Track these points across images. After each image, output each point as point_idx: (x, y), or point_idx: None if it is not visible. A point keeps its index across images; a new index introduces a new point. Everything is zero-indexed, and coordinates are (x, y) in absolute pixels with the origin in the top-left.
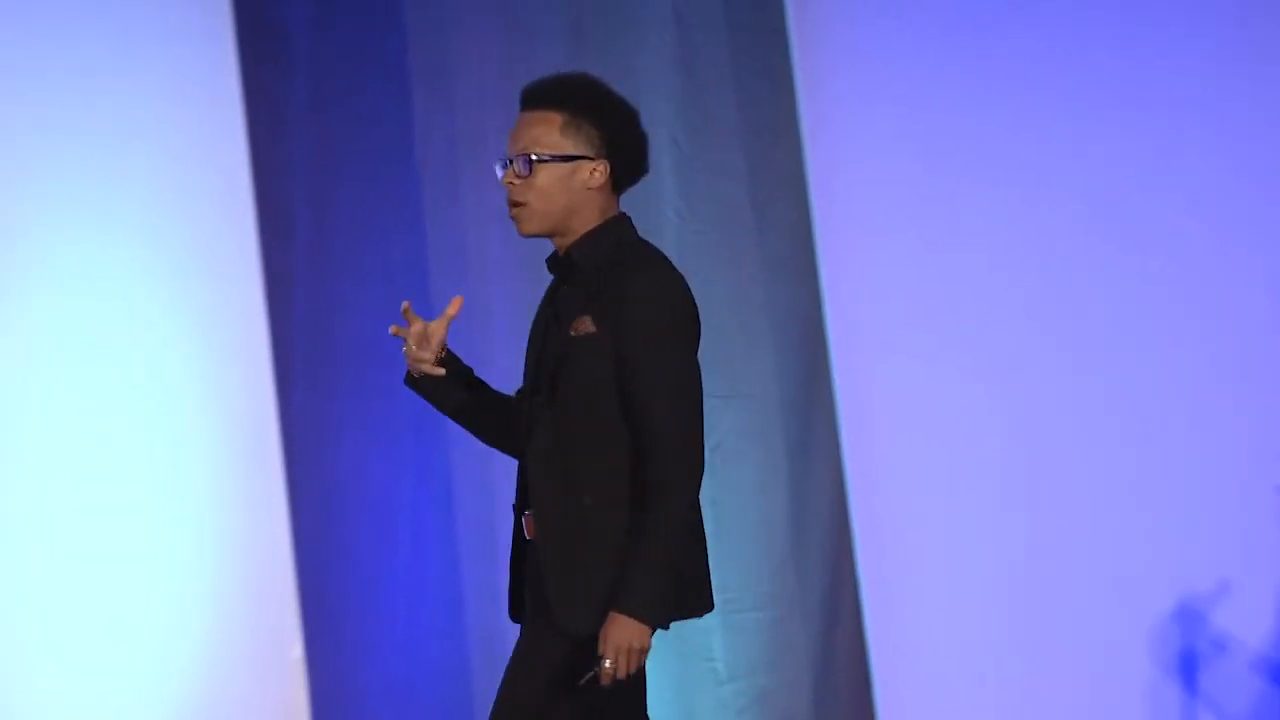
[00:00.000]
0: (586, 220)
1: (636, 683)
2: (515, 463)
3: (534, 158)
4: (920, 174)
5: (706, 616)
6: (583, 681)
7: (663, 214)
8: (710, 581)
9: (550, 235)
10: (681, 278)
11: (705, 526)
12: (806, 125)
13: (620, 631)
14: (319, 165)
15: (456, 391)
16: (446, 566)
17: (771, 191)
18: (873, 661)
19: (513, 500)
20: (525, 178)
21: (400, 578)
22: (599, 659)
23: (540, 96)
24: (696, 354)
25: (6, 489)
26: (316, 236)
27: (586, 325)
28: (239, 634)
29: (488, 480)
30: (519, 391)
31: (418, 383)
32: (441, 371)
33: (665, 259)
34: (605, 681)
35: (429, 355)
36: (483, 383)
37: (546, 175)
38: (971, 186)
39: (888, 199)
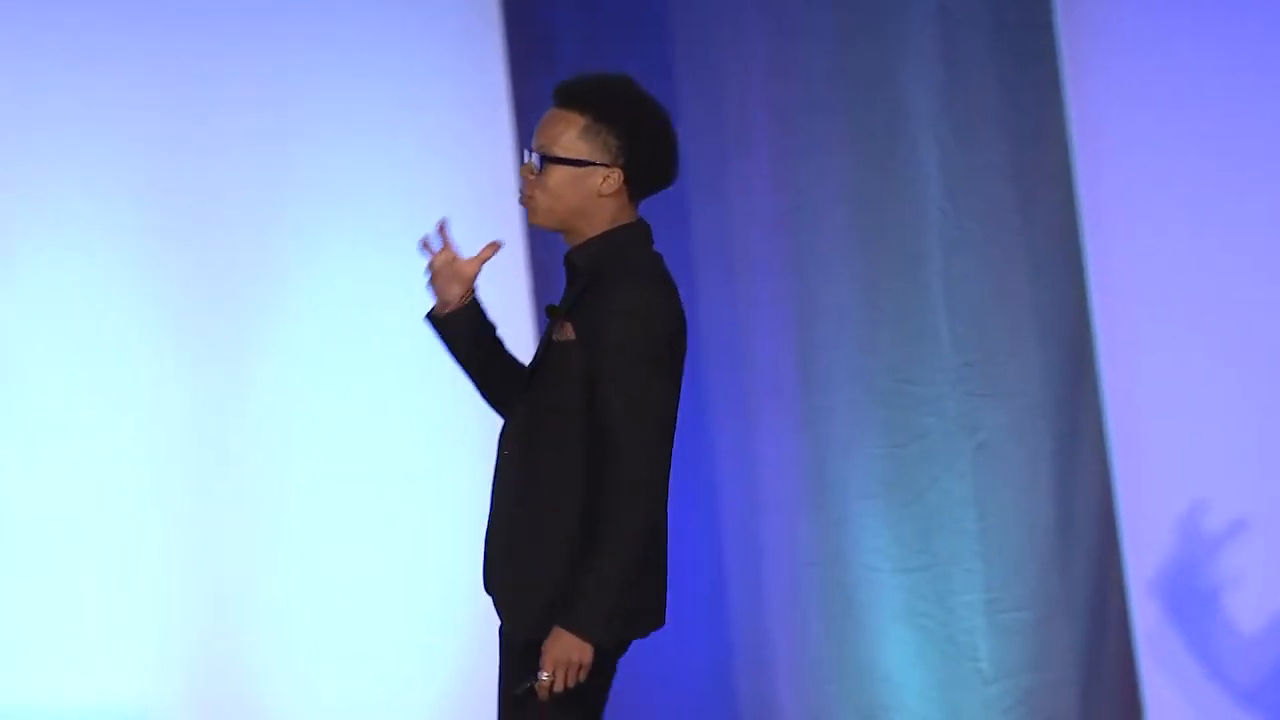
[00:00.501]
0: (595, 225)
1: (590, 701)
2: (782, 453)
3: (548, 157)
4: (1191, 171)
5: (971, 616)
6: (517, 691)
7: (927, 213)
8: (664, 599)
9: (558, 232)
10: (666, 298)
11: (967, 524)
12: (1074, 122)
13: (561, 646)
14: None
15: (475, 339)
16: (709, 561)
17: (1037, 190)
18: (1140, 664)
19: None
20: (538, 174)
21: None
22: (537, 671)
23: (570, 95)
24: (669, 375)
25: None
26: None
27: (567, 332)
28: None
29: (752, 476)
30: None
31: (439, 320)
32: (468, 300)
33: (656, 276)
34: (541, 695)
35: (458, 291)
36: (501, 341)
37: (558, 176)
38: (1244, 183)
39: (1157, 197)
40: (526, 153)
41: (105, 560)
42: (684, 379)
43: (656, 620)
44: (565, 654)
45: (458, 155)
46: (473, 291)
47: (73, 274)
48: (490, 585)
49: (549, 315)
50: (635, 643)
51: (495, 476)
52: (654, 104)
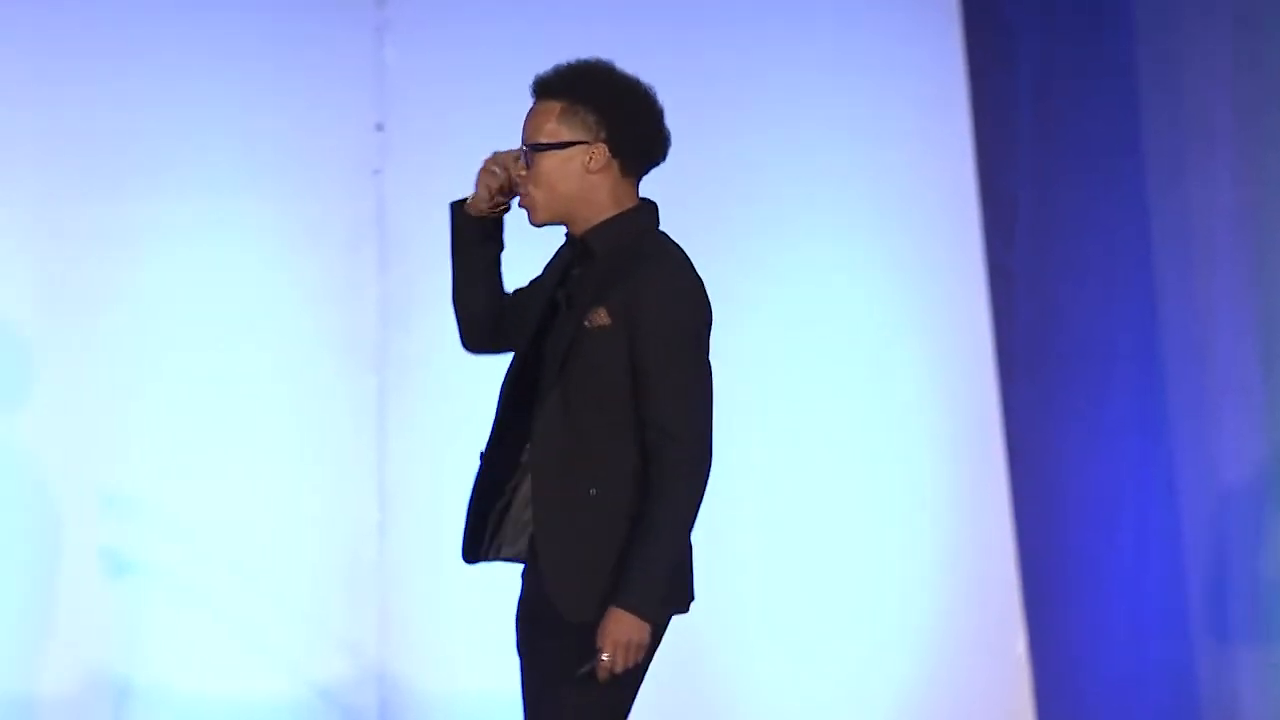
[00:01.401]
0: (598, 208)
1: (635, 679)
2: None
3: (533, 148)
4: None
5: None
6: (580, 673)
7: None
8: (693, 577)
9: (560, 223)
10: (695, 274)
11: None
12: None
13: (620, 627)
14: (1041, 161)
15: (490, 250)
16: (1170, 568)
17: None
18: None
19: (484, 448)
20: (529, 169)
21: (1122, 578)
22: (597, 652)
23: (544, 86)
24: (708, 352)
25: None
26: (1037, 231)
27: (601, 317)
28: (963, 628)
29: (1213, 475)
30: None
31: (467, 216)
32: (499, 212)
33: (681, 253)
34: (602, 676)
35: (505, 201)
36: (500, 263)
37: (547, 164)
38: None
39: None
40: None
41: None
42: (1141, 376)
43: (689, 600)
44: (626, 635)
45: (916, 148)
46: (507, 206)
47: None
48: (540, 570)
49: (563, 302)
50: (1096, 642)
51: (527, 466)
52: (629, 79)
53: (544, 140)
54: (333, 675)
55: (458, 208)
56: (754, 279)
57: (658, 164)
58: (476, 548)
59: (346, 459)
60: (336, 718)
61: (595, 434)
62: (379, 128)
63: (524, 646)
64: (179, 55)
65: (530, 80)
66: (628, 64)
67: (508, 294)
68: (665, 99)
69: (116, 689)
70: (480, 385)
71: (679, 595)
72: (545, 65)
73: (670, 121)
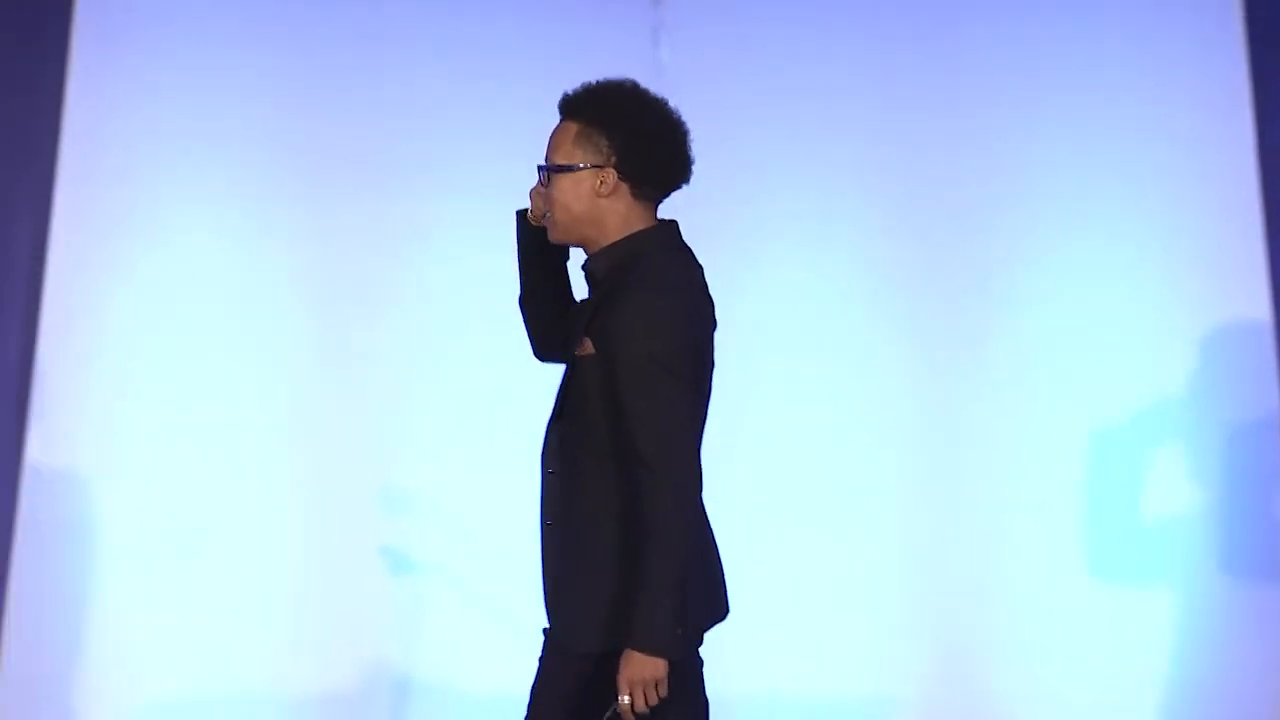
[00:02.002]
0: (606, 232)
1: (687, 700)
2: None
3: (549, 168)
4: None
5: None
6: (605, 718)
7: None
8: (724, 589)
9: (575, 245)
10: (678, 300)
11: None
12: None
13: (635, 668)
14: None
15: (554, 258)
16: None
17: None
18: None
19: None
20: (546, 188)
21: None
22: (616, 697)
23: (566, 106)
24: (687, 379)
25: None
26: None
27: (587, 347)
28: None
29: None
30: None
31: (530, 225)
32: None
33: (670, 281)
34: (626, 717)
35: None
36: (565, 271)
37: (561, 186)
38: None
39: None
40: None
41: (843, 558)
42: None
43: (721, 612)
44: (639, 674)
45: (1198, 149)
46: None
47: (812, 271)
48: (546, 601)
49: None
50: None
51: (541, 495)
52: (650, 103)
53: (558, 162)
54: None
55: (521, 216)
56: (1045, 276)
57: (677, 187)
58: None
59: None
60: None
61: (583, 462)
62: None
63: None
64: (458, 57)
65: (810, 77)
66: (900, 61)
67: (575, 304)
68: (922, 96)
69: (396, 686)
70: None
71: (710, 610)
72: (820, 65)
73: (937, 120)
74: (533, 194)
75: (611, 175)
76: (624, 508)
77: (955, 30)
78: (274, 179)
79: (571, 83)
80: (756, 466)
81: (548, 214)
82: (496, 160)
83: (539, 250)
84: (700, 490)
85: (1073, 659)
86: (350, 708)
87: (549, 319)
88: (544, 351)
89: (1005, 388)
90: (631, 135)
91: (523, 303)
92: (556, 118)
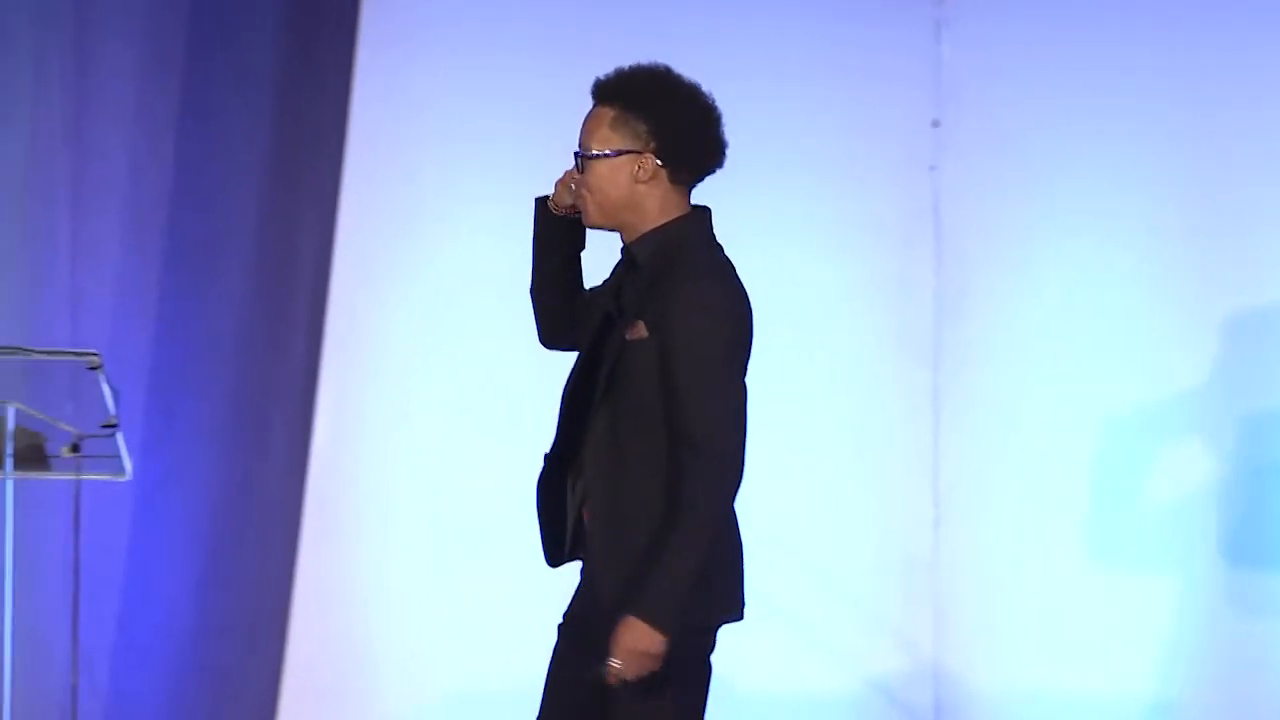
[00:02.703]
0: (647, 216)
1: (694, 689)
2: None
3: (585, 155)
4: None
5: None
6: (588, 676)
7: None
8: (742, 590)
9: (612, 229)
10: (734, 290)
11: None
12: None
13: (632, 635)
14: None
15: (570, 247)
16: None
17: None
18: None
19: (549, 449)
20: (582, 174)
21: None
22: (606, 658)
23: (600, 91)
24: (742, 368)
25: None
26: None
27: (640, 330)
28: None
29: None
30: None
31: (549, 213)
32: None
33: (722, 267)
34: (611, 681)
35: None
36: (579, 260)
37: (598, 171)
38: None
39: None
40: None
41: None
42: None
43: (735, 613)
44: (635, 643)
45: None
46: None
47: (1094, 271)
48: (593, 585)
49: (615, 313)
50: None
51: (589, 480)
52: (685, 87)
53: (595, 148)
54: (889, 672)
55: (541, 204)
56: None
57: (711, 172)
58: (559, 552)
59: (902, 455)
60: (893, 714)
61: (633, 446)
62: (935, 124)
63: (574, 643)
64: (738, 53)
65: (1092, 73)
66: (1184, 59)
67: (584, 293)
68: (1207, 91)
69: None
70: (1029, 383)
71: (727, 603)
72: (1103, 61)
73: (1223, 116)
74: (560, 183)
75: (650, 160)
76: (670, 494)
77: (1243, 26)
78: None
79: (854, 80)
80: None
81: (583, 199)
82: (773, 157)
83: (557, 240)
84: (740, 482)
85: (1077, 651)
86: None
87: (560, 309)
88: (553, 341)
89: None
90: (669, 120)
91: (534, 292)
92: (831, 114)
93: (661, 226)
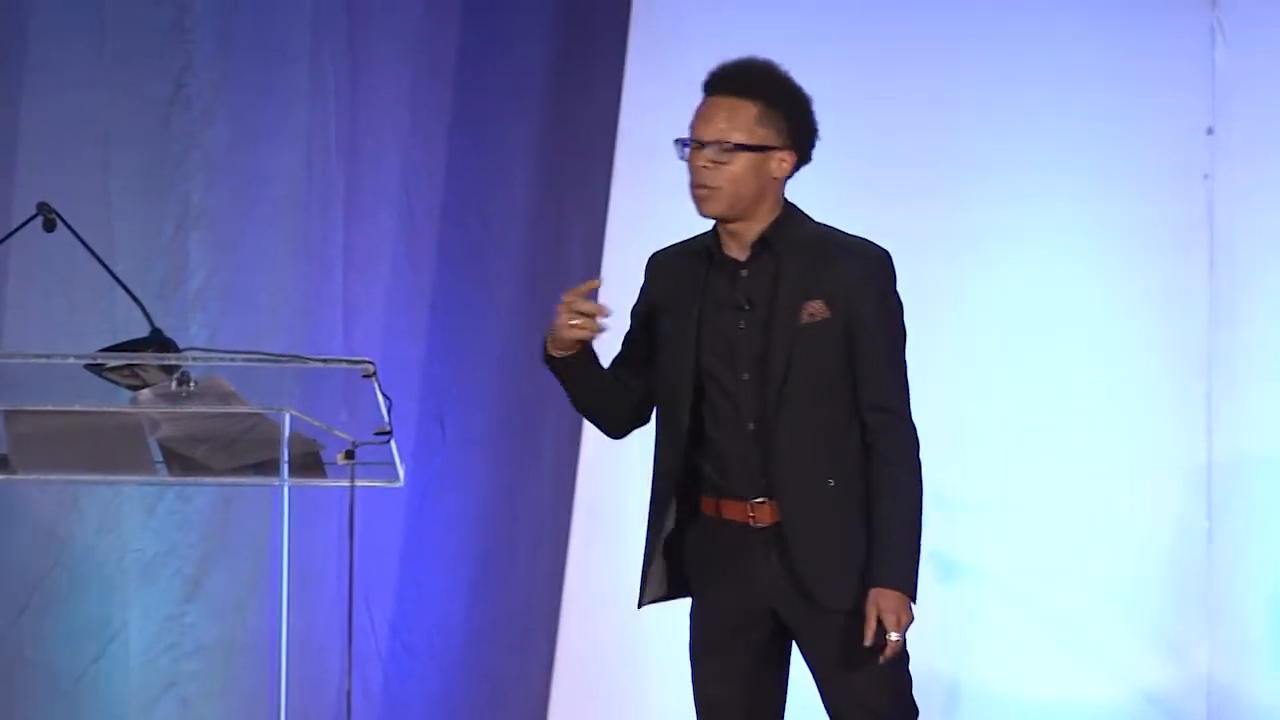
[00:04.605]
0: (769, 208)
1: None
2: None
3: (734, 145)
4: None
5: None
6: (882, 660)
7: None
8: None
9: (730, 219)
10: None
11: None
12: None
13: (897, 604)
14: None
15: (594, 367)
16: None
17: None
18: None
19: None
20: (721, 164)
21: None
22: (884, 633)
23: (735, 83)
24: None
25: None
26: None
27: (820, 310)
28: None
29: None
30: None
31: (563, 361)
32: (601, 330)
33: (864, 242)
34: (892, 653)
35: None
36: (607, 373)
37: (742, 163)
38: None
39: None
40: (683, 146)
41: None
42: None
43: None
44: (897, 611)
45: None
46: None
47: None
48: (794, 564)
49: (744, 302)
50: None
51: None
52: (798, 84)
53: (745, 141)
54: (1161, 681)
55: (551, 360)
56: None
57: None
58: (678, 585)
59: (1175, 463)
60: None
61: (826, 425)
62: (1209, 131)
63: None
64: (1013, 60)
65: None
66: None
67: (627, 358)
68: None
69: (945, 691)
70: None
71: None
72: None
73: None
74: (560, 323)
75: (791, 156)
76: (866, 467)
77: None
78: (830, 182)
79: (1128, 86)
80: None
81: (715, 190)
82: (1055, 162)
83: (583, 370)
84: None
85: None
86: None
87: (616, 410)
88: (623, 432)
89: None
90: (803, 119)
91: (586, 413)
92: (1106, 121)
93: (787, 214)
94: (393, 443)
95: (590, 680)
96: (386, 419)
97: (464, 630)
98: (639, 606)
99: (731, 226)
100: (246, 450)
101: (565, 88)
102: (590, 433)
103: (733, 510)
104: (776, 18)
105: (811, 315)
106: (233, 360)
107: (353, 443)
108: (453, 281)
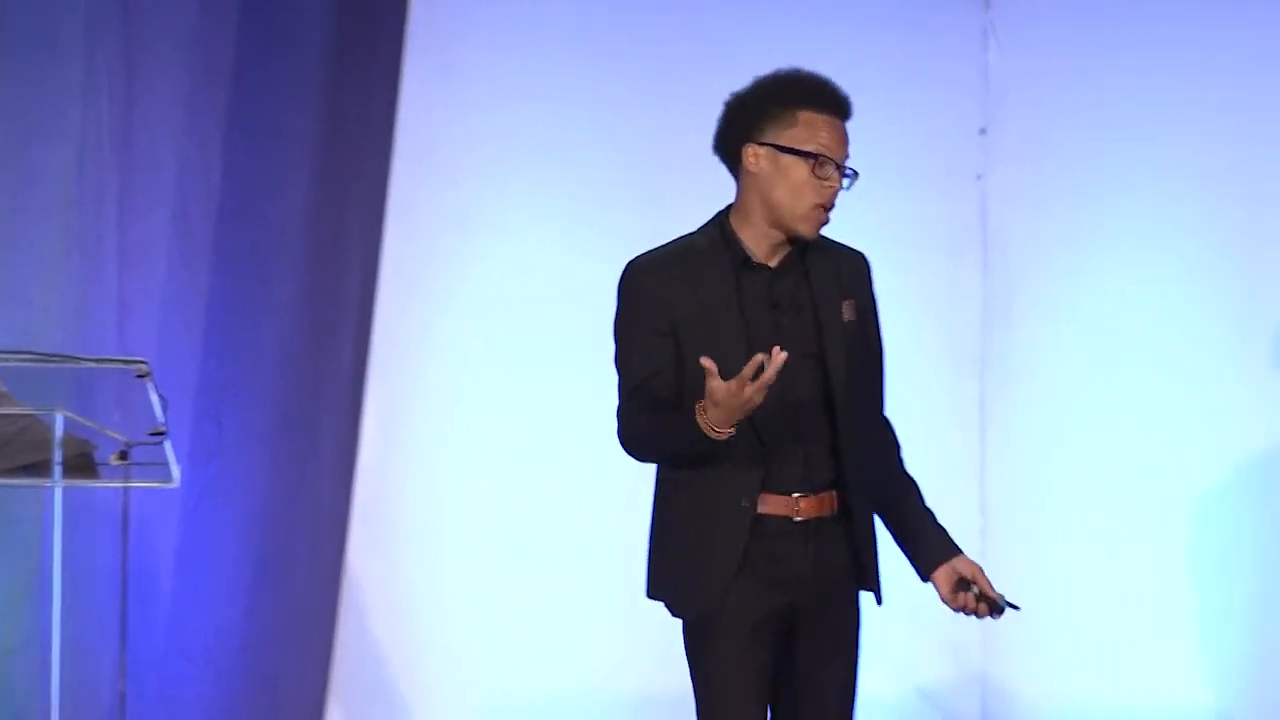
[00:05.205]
0: None
1: None
2: None
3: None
4: None
5: None
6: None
7: None
8: None
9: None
10: None
11: None
12: None
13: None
14: None
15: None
16: None
17: None
18: None
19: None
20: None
21: None
22: (1000, 596)
23: (847, 109)
24: None
25: None
26: None
27: (850, 311)
28: None
29: None
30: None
31: (709, 434)
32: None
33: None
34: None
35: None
36: None
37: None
38: None
39: None
40: (844, 173)
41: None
42: None
43: None
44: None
45: None
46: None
47: (1142, 276)
48: (853, 552)
49: (792, 305)
50: None
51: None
52: None
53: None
54: (936, 678)
55: (702, 428)
56: None
57: None
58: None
59: (948, 464)
60: None
61: (862, 418)
62: (982, 132)
63: (799, 618)
64: (785, 60)
65: (1139, 79)
66: (1227, 62)
67: (669, 380)
68: (1256, 97)
69: None
70: (1076, 392)
71: None
72: (1149, 66)
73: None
74: (747, 401)
75: None
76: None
77: None
78: (607, 179)
79: (901, 87)
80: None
81: (829, 210)
82: None
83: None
84: None
85: (1125, 661)
86: (676, 711)
87: None
88: None
89: None
90: None
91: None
92: (878, 121)
93: None
94: (167, 443)
95: (367, 682)
96: (161, 419)
97: (241, 633)
98: (692, 616)
99: (781, 236)
100: (18, 452)
101: (342, 86)
102: (368, 435)
103: (776, 505)
104: (553, 13)
105: (847, 316)
106: (5, 360)
107: (126, 443)
108: (230, 281)
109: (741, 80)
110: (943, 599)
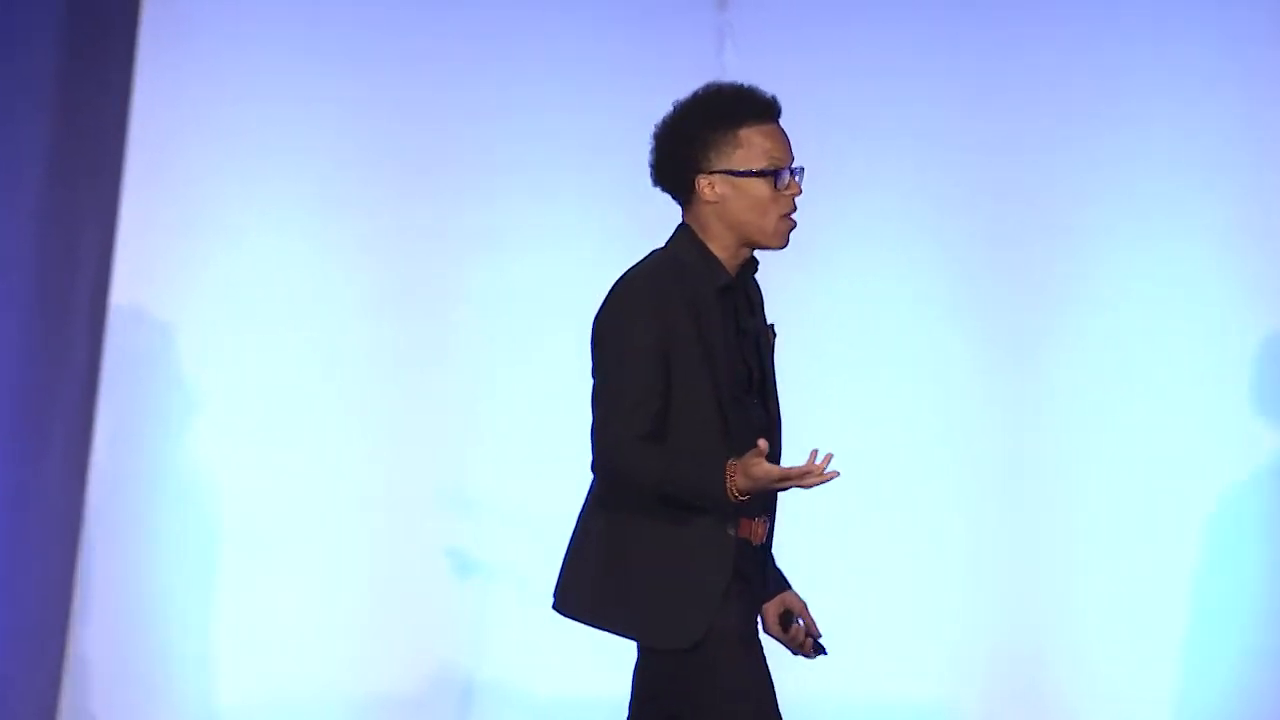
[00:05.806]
0: None
1: None
2: None
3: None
4: None
5: None
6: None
7: None
8: None
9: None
10: None
11: None
12: None
13: None
14: None
15: None
16: None
17: None
18: None
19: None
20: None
21: None
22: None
23: (778, 107)
24: None
25: None
26: None
27: (770, 331)
28: None
29: None
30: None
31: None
32: None
33: None
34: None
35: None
36: None
37: None
38: None
39: None
40: (793, 174)
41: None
42: None
43: None
44: None
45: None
46: None
47: (872, 278)
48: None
49: (764, 331)
50: None
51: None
52: None
53: None
54: (936, 678)
55: (729, 492)
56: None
57: None
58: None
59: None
60: None
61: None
62: None
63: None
64: (521, 60)
65: (876, 81)
66: (968, 64)
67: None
68: (990, 98)
69: (462, 688)
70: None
71: None
72: (886, 69)
73: (1006, 122)
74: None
75: None
76: None
77: (1029, 30)
78: (340, 182)
79: (635, 84)
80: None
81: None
82: (560, 162)
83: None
84: None
85: (1139, 661)
86: (418, 709)
87: None
88: None
89: (1072, 391)
90: None
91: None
92: (613, 120)
93: None
94: None
95: (100, 685)
96: None
97: None
98: (687, 644)
99: (749, 252)
100: None
101: (74, 86)
102: (101, 438)
103: (745, 528)
104: (289, 12)
105: (770, 335)
106: None
107: None
108: None
109: (479, 76)
110: (767, 629)
